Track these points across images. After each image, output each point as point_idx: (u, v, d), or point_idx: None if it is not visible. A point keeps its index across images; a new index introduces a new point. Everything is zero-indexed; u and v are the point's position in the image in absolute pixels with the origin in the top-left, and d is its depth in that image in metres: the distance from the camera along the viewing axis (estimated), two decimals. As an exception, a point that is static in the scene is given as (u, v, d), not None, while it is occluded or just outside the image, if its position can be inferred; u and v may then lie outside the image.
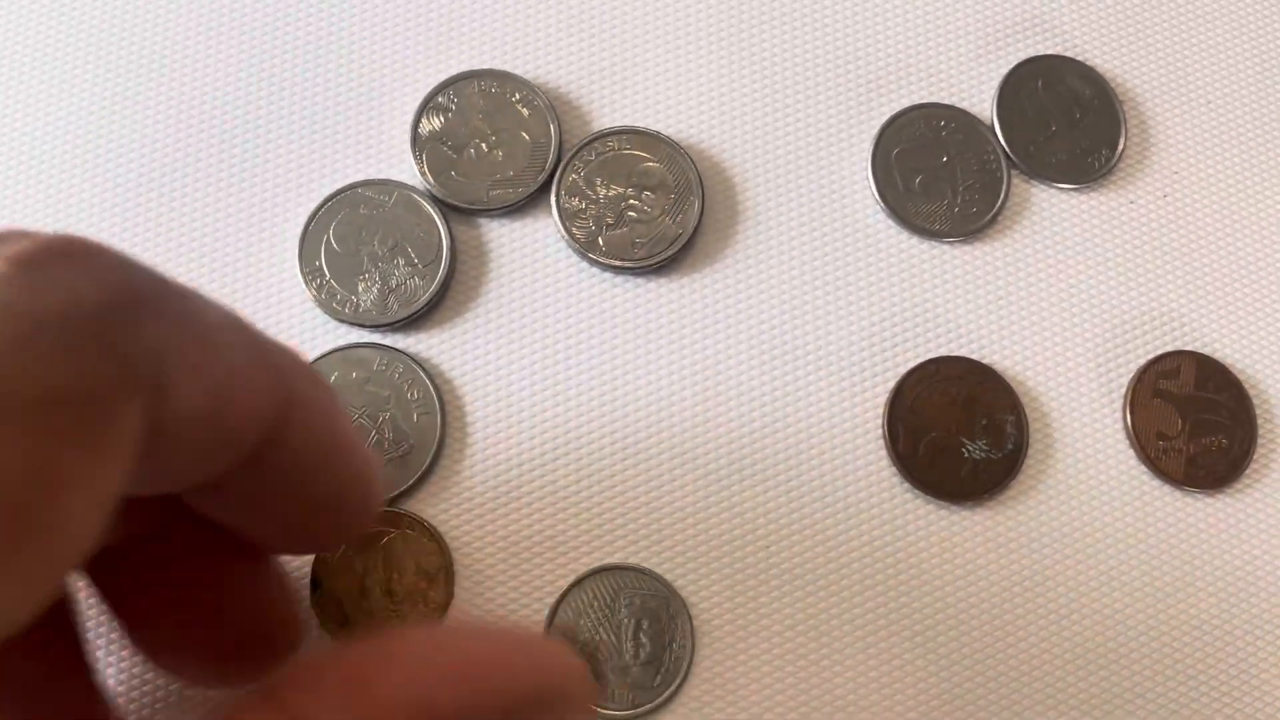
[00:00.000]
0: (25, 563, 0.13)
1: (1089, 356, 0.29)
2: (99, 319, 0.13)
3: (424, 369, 0.28)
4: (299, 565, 0.27)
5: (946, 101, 0.31)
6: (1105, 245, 0.30)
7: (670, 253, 0.29)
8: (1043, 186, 0.31)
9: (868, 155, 0.30)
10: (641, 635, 0.26)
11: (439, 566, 0.27)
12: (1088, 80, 0.31)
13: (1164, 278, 0.30)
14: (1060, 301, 0.30)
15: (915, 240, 0.30)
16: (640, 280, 0.29)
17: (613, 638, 0.26)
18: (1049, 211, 0.30)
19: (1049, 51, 0.31)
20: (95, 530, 0.14)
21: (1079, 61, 0.31)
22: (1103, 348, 0.29)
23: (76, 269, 0.14)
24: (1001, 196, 0.30)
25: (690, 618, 0.26)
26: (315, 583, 0.27)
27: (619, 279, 0.29)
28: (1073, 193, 0.30)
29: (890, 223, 0.30)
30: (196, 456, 0.16)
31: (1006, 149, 0.30)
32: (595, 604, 0.26)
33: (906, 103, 0.31)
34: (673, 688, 0.26)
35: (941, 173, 0.30)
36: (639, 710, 0.26)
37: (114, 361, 0.13)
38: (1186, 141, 0.31)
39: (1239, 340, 0.30)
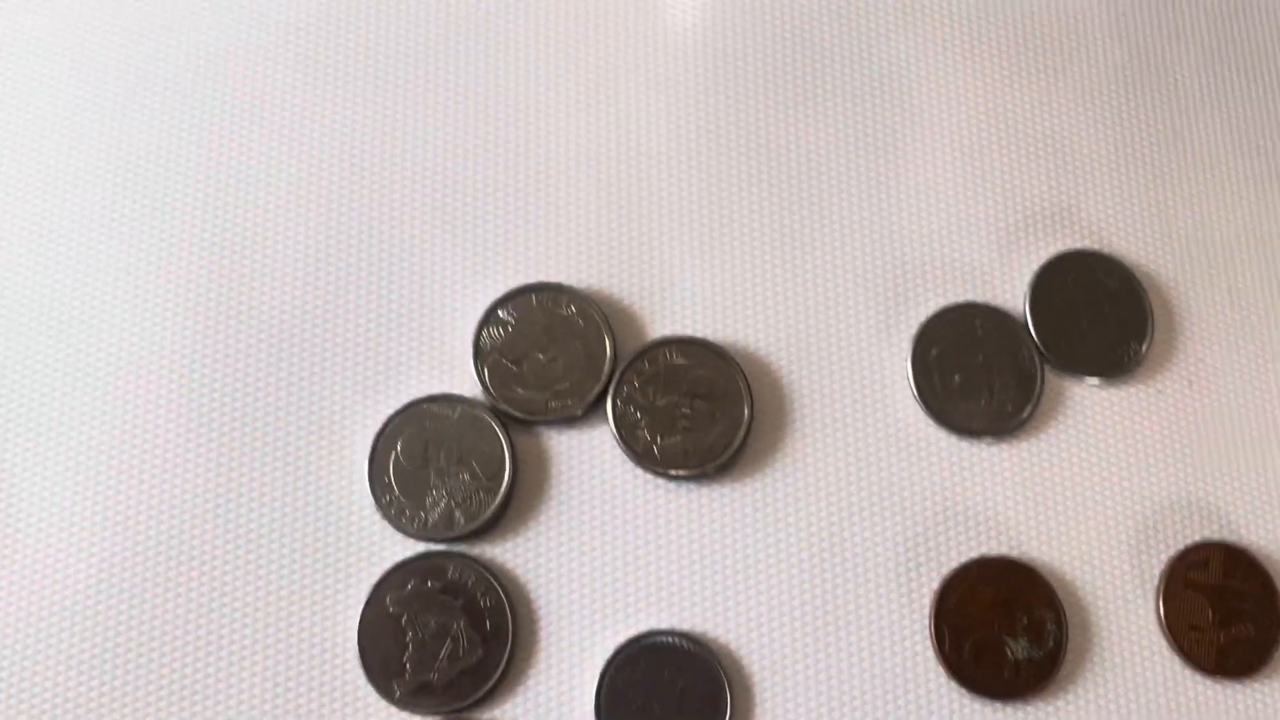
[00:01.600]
0: None
1: (1123, 548, 0.31)
2: None
3: (497, 578, 0.29)
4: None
5: (981, 299, 0.32)
6: (1136, 436, 0.32)
7: (722, 460, 0.30)
8: (1075, 380, 0.32)
9: (907, 356, 0.31)
10: None
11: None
12: (1115, 274, 0.33)
13: (1193, 466, 0.32)
14: (1095, 494, 0.31)
15: (954, 439, 0.31)
16: (694, 486, 0.30)
17: None
18: (1082, 405, 0.32)
19: (1077, 246, 0.33)
20: None
21: (1106, 255, 0.33)
22: (1136, 539, 0.31)
23: None
24: (1036, 393, 0.31)
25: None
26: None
27: (674, 485, 0.30)
28: (1104, 386, 0.32)
29: (930, 422, 0.31)
30: None
31: (1039, 345, 0.32)
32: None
33: (943, 301, 0.32)
34: None
35: (978, 372, 0.31)
36: None
37: None
38: (1211, 330, 0.33)
39: (1266, 527, 0.31)
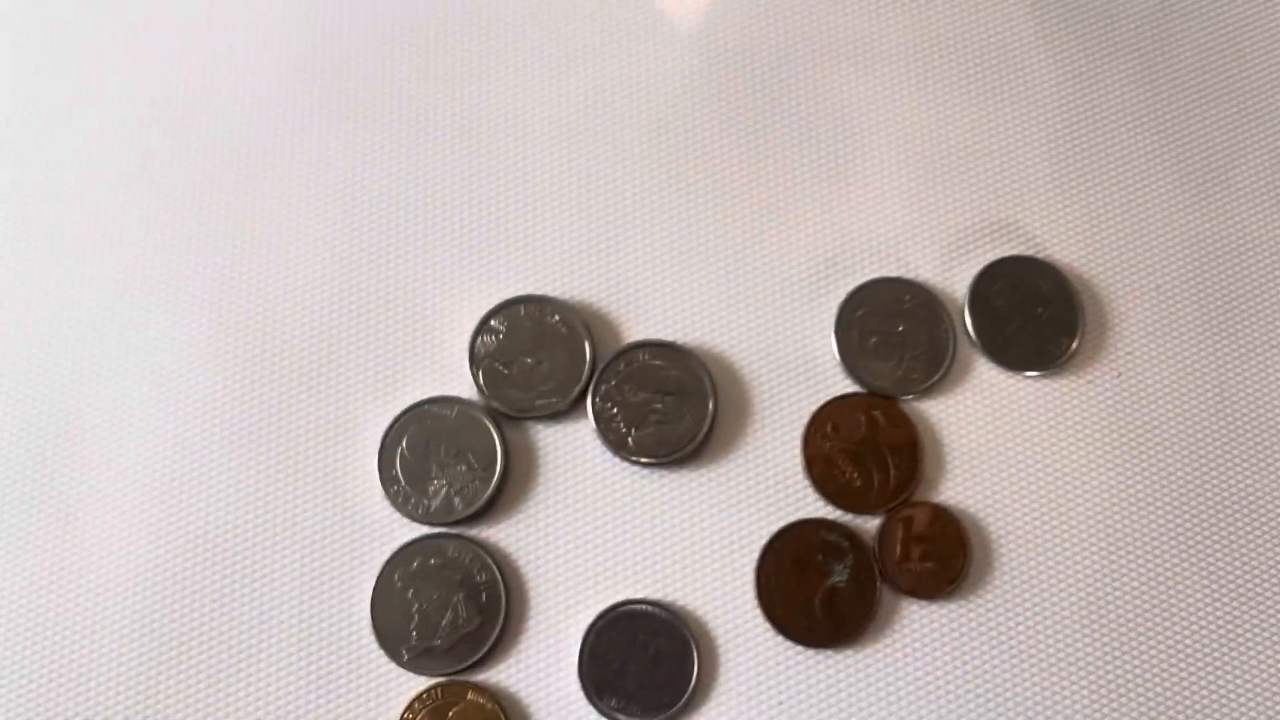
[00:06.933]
0: None
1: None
2: None
3: (491, 555, 0.33)
4: (389, 731, 0.32)
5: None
6: (1062, 421, 0.35)
7: (689, 449, 0.34)
8: (1009, 374, 0.35)
9: (833, 317, 0.35)
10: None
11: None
12: (1048, 276, 0.36)
13: (1128, 456, 0.35)
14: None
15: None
16: (665, 472, 0.34)
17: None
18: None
19: (1014, 253, 0.36)
20: None
21: (1041, 260, 0.36)
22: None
23: None
24: (946, 366, 0.35)
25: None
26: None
27: (647, 471, 0.34)
28: (1037, 379, 0.35)
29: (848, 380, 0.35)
30: None
31: (975, 339, 0.35)
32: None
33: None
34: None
35: (895, 338, 0.35)
36: None
37: None
38: (1140, 327, 0.36)
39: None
